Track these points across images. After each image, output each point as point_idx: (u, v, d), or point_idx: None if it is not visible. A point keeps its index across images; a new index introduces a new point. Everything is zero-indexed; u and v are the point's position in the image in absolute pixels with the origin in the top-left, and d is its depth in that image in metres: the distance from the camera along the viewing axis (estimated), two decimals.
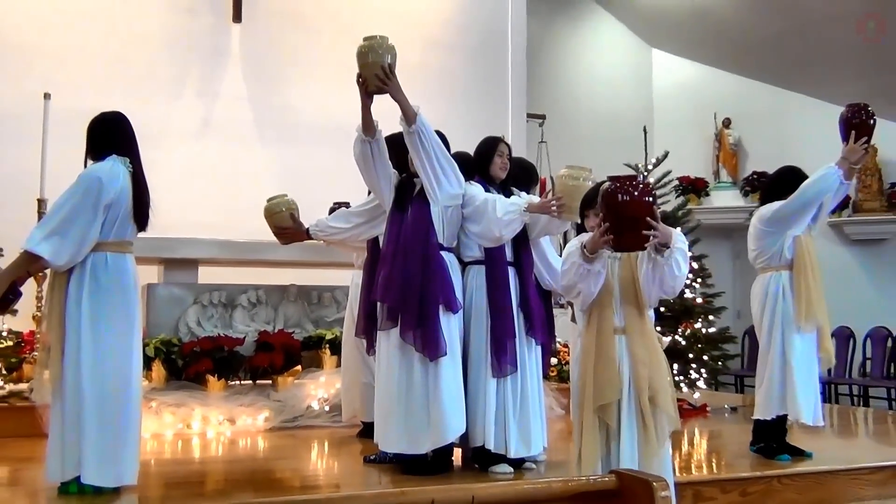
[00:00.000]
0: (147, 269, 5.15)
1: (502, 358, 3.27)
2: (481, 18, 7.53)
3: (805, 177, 3.71)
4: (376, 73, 3.10)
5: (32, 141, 4.90)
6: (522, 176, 3.78)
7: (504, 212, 3.25)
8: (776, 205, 3.67)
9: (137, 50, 6.29)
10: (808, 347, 3.59)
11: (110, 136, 3.02)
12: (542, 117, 8.65)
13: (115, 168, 2.94)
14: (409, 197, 3.38)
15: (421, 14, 7.28)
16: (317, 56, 6.66)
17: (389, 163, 3.40)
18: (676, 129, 9.26)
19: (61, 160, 5.13)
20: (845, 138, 3.61)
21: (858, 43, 7.80)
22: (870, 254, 8.62)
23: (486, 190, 3.46)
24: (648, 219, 2.33)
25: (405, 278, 3.24)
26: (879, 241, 8.57)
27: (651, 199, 2.36)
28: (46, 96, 4.89)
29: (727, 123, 9.37)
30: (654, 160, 5.92)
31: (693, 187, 9.15)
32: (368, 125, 3.28)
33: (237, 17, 6.53)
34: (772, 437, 3.64)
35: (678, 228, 2.80)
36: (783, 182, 3.76)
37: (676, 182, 8.36)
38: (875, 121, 3.64)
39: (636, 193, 2.32)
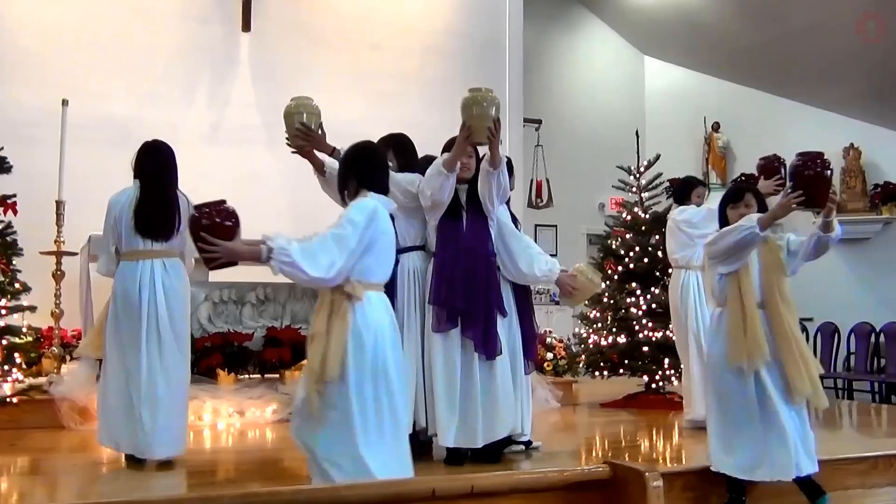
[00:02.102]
0: None
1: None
2: (479, 27, 7.61)
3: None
4: (488, 126, 3.20)
5: (51, 145, 4.97)
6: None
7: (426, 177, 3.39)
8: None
9: (151, 58, 6.37)
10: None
11: (138, 164, 3.60)
12: (539, 122, 8.80)
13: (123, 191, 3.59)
14: (460, 204, 3.48)
15: (421, 23, 7.39)
16: (323, 64, 6.77)
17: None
18: (667, 133, 9.37)
19: (78, 164, 5.30)
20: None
21: (843, 49, 7.91)
22: (854, 252, 8.69)
23: None
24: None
25: (470, 283, 3.36)
26: (863, 240, 8.68)
27: (830, 171, 2.93)
28: (64, 103, 4.95)
29: (716, 128, 9.49)
30: (645, 163, 6.03)
31: None
32: (453, 165, 3.34)
33: (247, 26, 6.63)
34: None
35: None
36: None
37: (667, 184, 8.51)
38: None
39: (819, 168, 2.90)
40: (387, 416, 2.48)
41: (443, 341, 3.36)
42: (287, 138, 3.41)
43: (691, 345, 4.43)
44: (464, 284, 3.36)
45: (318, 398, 2.42)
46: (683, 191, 4.69)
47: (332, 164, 3.32)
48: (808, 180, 2.90)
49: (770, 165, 4.08)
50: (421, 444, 3.45)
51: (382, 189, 2.65)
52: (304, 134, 3.34)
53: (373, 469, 2.42)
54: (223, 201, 2.48)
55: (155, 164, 3.55)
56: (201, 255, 2.45)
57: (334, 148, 3.36)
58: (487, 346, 3.35)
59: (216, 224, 2.41)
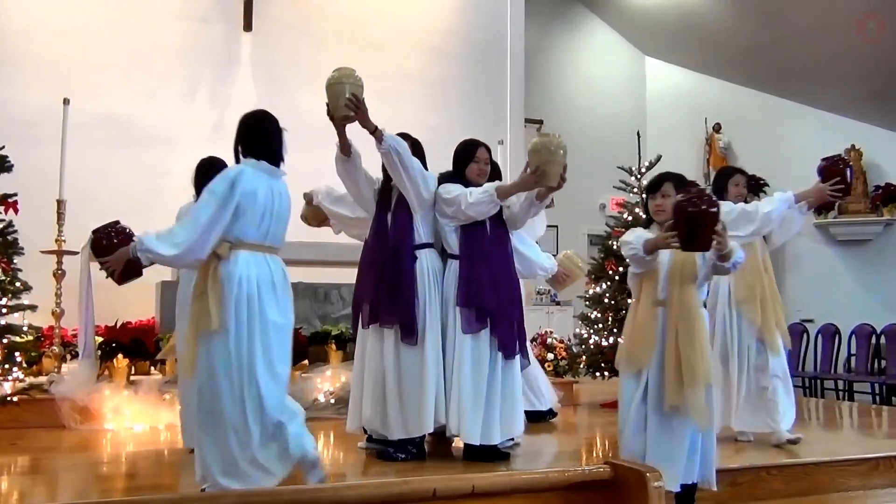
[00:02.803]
0: (161, 267, 5.31)
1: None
2: (481, 28, 7.62)
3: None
4: (345, 104, 3.23)
5: (52, 144, 4.97)
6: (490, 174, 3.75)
7: (473, 197, 3.42)
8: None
9: (152, 57, 6.38)
10: None
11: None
12: (540, 122, 8.81)
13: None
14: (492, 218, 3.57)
15: (423, 24, 7.40)
16: (324, 63, 6.63)
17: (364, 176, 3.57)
18: (668, 133, 9.41)
19: (80, 163, 5.31)
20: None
21: (845, 50, 7.93)
22: (854, 254, 8.73)
23: None
24: (717, 228, 2.62)
25: (497, 284, 3.48)
26: (864, 242, 8.71)
27: (716, 210, 2.62)
28: (66, 102, 4.96)
29: (717, 128, 9.51)
30: (646, 163, 6.03)
31: None
32: (346, 147, 3.44)
33: (248, 26, 6.65)
34: None
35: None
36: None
37: None
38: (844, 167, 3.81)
39: (703, 206, 2.60)
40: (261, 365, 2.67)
41: (472, 342, 3.44)
42: (329, 109, 3.29)
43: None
44: (493, 286, 3.47)
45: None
46: (720, 183, 4.02)
47: (357, 150, 3.42)
48: (690, 219, 2.58)
49: (833, 167, 3.71)
50: (444, 441, 3.56)
51: (267, 156, 2.83)
52: (355, 105, 3.25)
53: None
54: (117, 222, 2.95)
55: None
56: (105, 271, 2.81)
57: (376, 127, 3.34)
58: (512, 347, 3.48)
59: (111, 244, 2.83)
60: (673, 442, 2.72)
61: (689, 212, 2.58)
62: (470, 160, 3.62)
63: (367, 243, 3.66)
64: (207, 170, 3.24)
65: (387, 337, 3.45)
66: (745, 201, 3.92)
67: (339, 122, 3.32)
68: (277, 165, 2.86)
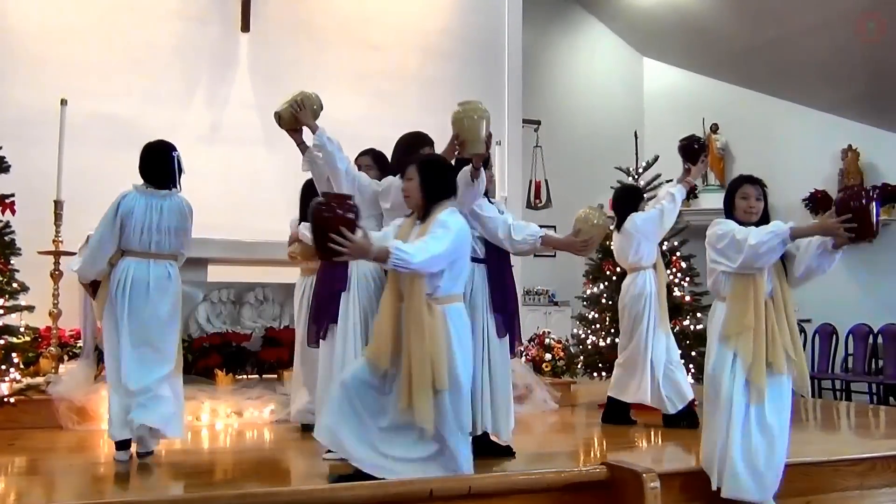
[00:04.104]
0: None
1: None
2: (478, 27, 7.62)
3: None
4: (292, 112, 3.46)
5: (50, 145, 4.96)
6: (416, 145, 3.73)
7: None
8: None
9: (150, 58, 6.37)
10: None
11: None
12: (538, 123, 8.82)
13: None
14: None
15: (420, 24, 7.40)
16: (322, 64, 6.79)
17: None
18: (666, 134, 9.30)
19: (77, 164, 5.29)
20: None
21: (842, 51, 7.94)
22: (852, 254, 8.61)
23: None
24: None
25: (512, 286, 3.67)
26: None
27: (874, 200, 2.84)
28: (63, 102, 4.95)
29: (715, 129, 9.50)
30: (644, 164, 6.09)
31: None
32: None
33: (246, 26, 6.64)
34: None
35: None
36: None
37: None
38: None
39: (864, 201, 2.82)
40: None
41: (501, 345, 3.58)
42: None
43: None
44: (512, 290, 3.67)
45: None
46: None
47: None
48: (856, 213, 2.80)
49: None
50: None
51: (153, 180, 3.59)
52: (297, 110, 3.45)
53: None
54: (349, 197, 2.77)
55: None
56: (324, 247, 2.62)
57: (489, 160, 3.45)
58: (514, 345, 3.67)
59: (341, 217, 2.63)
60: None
61: (854, 206, 2.78)
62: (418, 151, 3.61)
63: None
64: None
65: None
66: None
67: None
68: (166, 187, 3.58)
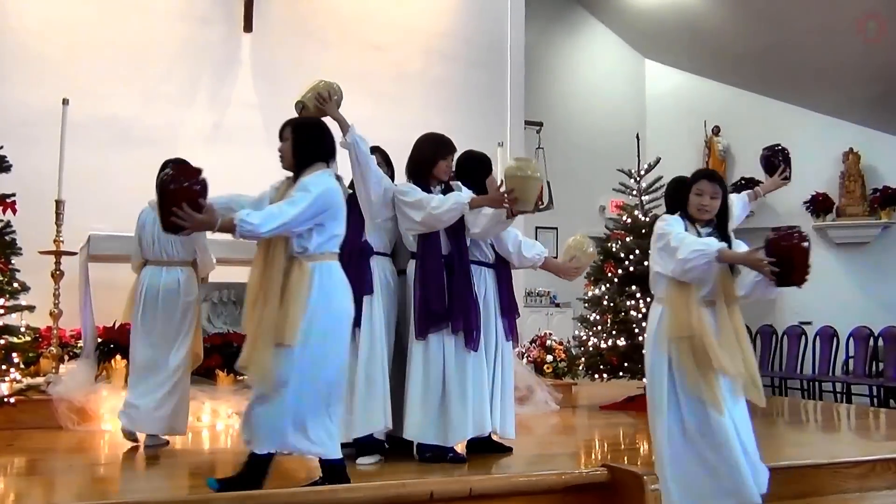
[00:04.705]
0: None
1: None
2: (481, 29, 7.62)
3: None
4: (317, 105, 3.33)
5: (51, 145, 4.97)
6: (479, 168, 3.79)
7: (445, 208, 3.40)
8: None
9: (152, 58, 6.35)
10: None
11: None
12: (540, 124, 8.82)
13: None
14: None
15: (423, 25, 7.39)
16: (325, 65, 6.73)
17: None
18: (668, 136, 9.40)
19: (78, 164, 5.28)
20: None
21: (844, 54, 7.94)
22: (853, 256, 8.75)
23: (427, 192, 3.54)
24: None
25: None
26: (862, 245, 8.72)
27: (807, 243, 2.68)
28: (65, 102, 4.95)
29: (716, 131, 9.51)
30: (646, 166, 6.06)
31: None
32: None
33: (248, 27, 6.62)
34: None
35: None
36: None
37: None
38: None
39: (796, 241, 2.65)
40: None
41: (508, 347, 3.76)
42: (510, 199, 3.28)
43: None
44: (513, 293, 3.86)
45: None
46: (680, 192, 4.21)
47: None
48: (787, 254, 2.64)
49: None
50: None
51: None
52: (323, 100, 3.33)
53: None
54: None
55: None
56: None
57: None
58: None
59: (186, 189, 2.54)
60: None
61: (783, 247, 2.63)
62: (444, 157, 3.60)
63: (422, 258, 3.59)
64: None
65: (447, 343, 3.46)
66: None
67: (517, 212, 3.39)
68: None
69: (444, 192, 3.60)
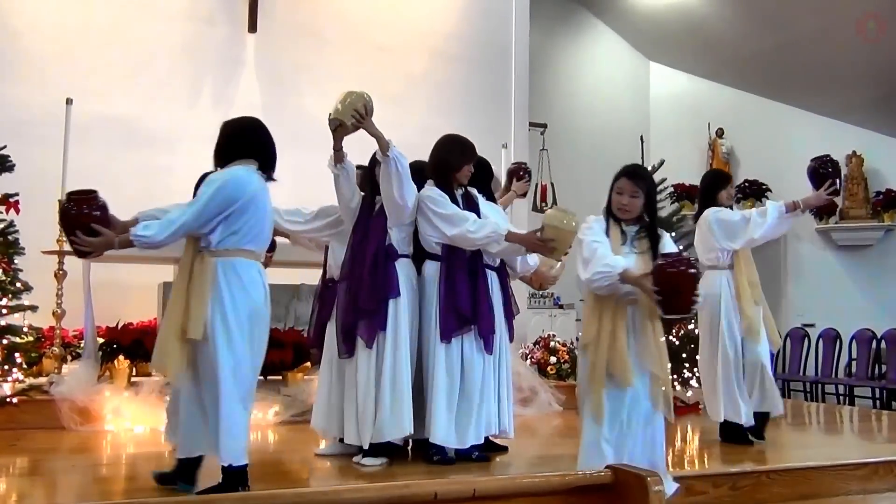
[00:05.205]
0: (163, 268, 5.27)
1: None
2: (486, 31, 7.61)
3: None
4: (352, 114, 3.29)
5: (54, 144, 4.96)
6: (483, 174, 3.81)
7: (482, 234, 3.41)
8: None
9: (156, 58, 6.35)
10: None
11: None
12: (544, 126, 8.81)
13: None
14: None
15: (427, 27, 7.38)
16: (329, 65, 6.77)
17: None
18: (672, 138, 9.41)
19: (82, 163, 5.28)
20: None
21: (847, 57, 7.96)
22: (856, 259, 8.76)
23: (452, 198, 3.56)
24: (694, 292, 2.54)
25: None
26: (865, 247, 8.74)
27: (695, 270, 2.56)
28: (68, 102, 4.95)
29: (720, 133, 9.51)
30: (650, 167, 6.13)
31: (687, 194, 9.27)
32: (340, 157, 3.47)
33: (253, 27, 6.62)
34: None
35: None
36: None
37: (671, 189, 8.51)
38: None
39: (682, 268, 2.54)
40: None
41: (509, 349, 3.78)
42: (547, 247, 3.31)
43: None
44: None
45: None
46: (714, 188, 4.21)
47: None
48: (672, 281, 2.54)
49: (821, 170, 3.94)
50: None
51: None
52: (360, 117, 3.29)
53: None
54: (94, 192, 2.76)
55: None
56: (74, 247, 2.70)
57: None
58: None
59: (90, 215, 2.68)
60: None
61: (669, 273, 2.52)
62: (469, 161, 3.60)
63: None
64: None
65: (465, 346, 3.48)
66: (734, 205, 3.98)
67: (548, 257, 3.44)
68: None
69: (464, 196, 3.62)
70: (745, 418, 3.92)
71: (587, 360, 2.76)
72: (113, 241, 2.65)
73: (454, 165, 3.55)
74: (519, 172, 4.48)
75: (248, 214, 2.77)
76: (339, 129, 3.32)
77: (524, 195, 4.65)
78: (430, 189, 3.56)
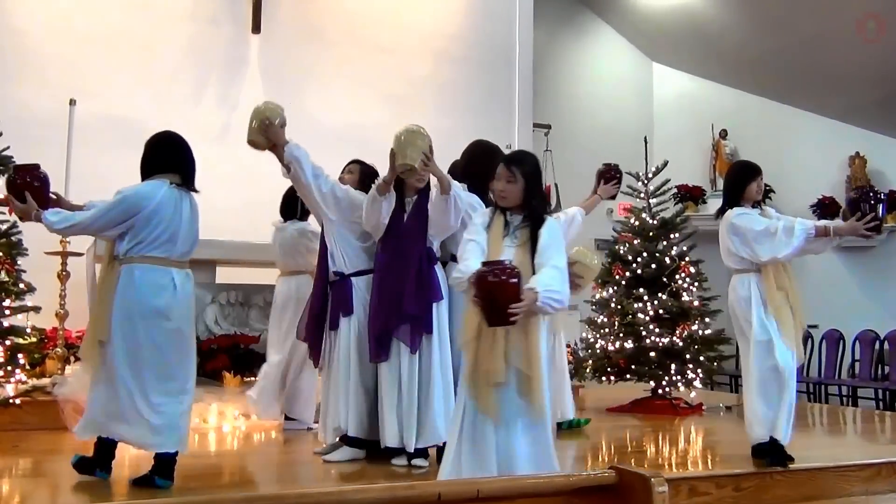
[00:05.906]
0: None
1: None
2: (490, 32, 7.62)
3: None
4: (421, 158, 3.28)
5: (58, 146, 4.96)
6: (491, 158, 3.67)
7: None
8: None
9: (160, 59, 6.37)
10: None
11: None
12: (548, 127, 8.81)
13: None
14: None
15: (432, 28, 7.40)
16: (332, 66, 6.80)
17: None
18: (675, 139, 9.40)
19: (85, 164, 5.29)
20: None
21: (850, 59, 7.96)
22: (858, 260, 8.76)
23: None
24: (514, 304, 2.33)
25: None
26: (867, 249, 8.71)
27: (516, 280, 2.35)
28: (72, 102, 4.96)
29: (724, 135, 9.52)
30: (653, 169, 6.06)
31: (690, 195, 9.32)
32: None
33: (256, 28, 6.64)
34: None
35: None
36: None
37: (675, 190, 8.44)
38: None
39: (503, 277, 2.34)
40: None
41: None
42: (575, 284, 3.39)
43: None
44: None
45: None
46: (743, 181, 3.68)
47: None
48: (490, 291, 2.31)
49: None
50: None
51: None
52: (425, 161, 3.32)
53: None
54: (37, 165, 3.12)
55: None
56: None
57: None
58: None
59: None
60: None
61: (488, 283, 2.32)
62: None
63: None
64: None
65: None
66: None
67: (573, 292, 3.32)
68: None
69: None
70: (780, 432, 3.44)
71: (468, 357, 2.65)
72: (31, 213, 2.96)
73: (491, 175, 3.55)
74: (609, 174, 4.35)
75: (153, 225, 3.03)
76: (409, 171, 3.34)
77: (614, 198, 4.53)
78: (478, 209, 3.44)
